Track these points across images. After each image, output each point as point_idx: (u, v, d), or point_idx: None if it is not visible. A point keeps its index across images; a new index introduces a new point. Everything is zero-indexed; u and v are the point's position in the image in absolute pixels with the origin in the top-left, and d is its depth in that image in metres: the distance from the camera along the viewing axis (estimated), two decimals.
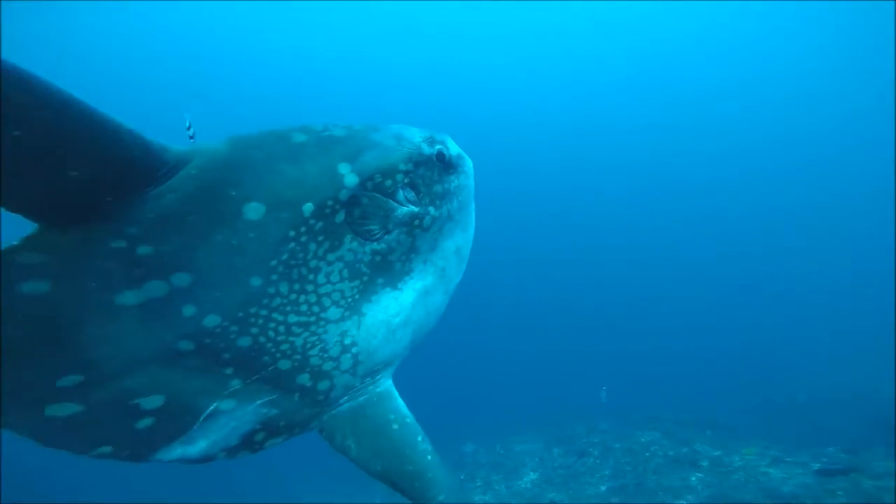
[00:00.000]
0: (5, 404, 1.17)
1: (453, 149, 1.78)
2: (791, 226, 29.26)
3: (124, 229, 1.20)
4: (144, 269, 1.23)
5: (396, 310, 1.57)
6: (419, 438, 1.55)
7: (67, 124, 1.01)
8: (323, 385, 1.46)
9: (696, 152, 32.60)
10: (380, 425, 1.54)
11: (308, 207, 1.39)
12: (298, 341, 1.41)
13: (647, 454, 8.02)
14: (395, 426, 1.55)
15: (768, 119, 32.10)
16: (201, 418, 1.35)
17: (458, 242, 1.77)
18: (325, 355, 1.45)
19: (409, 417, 1.59)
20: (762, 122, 32.16)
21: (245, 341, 1.35)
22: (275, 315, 1.37)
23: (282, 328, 1.39)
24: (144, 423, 1.29)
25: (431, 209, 1.64)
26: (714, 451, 7.70)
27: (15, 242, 1.14)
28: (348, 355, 1.48)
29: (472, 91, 32.75)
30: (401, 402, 1.61)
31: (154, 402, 1.29)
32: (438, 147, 1.69)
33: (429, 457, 1.53)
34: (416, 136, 1.65)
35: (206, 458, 1.38)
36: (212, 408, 1.35)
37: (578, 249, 26.73)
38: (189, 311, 1.29)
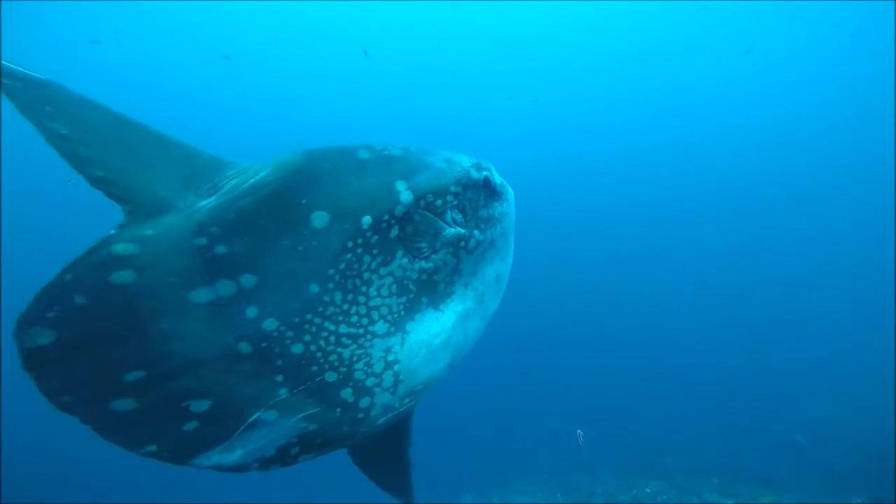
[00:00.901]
0: (78, 394, 1.22)
1: (497, 177, 1.86)
2: (787, 248, 29.40)
3: (207, 227, 1.30)
4: (219, 267, 1.31)
5: (438, 330, 1.61)
6: (410, 449, 1.82)
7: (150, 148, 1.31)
8: (364, 402, 1.48)
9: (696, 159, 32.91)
10: (397, 443, 1.73)
11: (367, 220, 1.46)
12: (346, 353, 1.44)
13: None
14: (406, 440, 1.77)
15: (769, 123, 32.29)
16: (243, 427, 1.37)
17: (498, 270, 1.82)
18: (370, 370, 1.48)
19: (412, 428, 1.77)
20: (763, 127, 32.36)
21: (298, 348, 1.39)
22: (327, 324, 1.42)
23: (332, 338, 1.43)
24: (191, 425, 1.32)
25: (477, 232, 1.71)
26: (725, 500, 7.37)
27: (112, 231, 1.25)
28: (390, 372, 1.51)
29: (475, 96, 32.67)
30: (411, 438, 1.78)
31: (203, 405, 1.32)
32: (485, 173, 1.78)
33: (408, 464, 1.85)
34: (465, 161, 1.75)
35: (239, 468, 1.40)
36: (255, 417, 1.38)
37: (564, 281, 26.38)
38: (252, 312, 1.34)
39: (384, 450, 1.79)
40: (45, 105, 1.20)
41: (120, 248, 1.22)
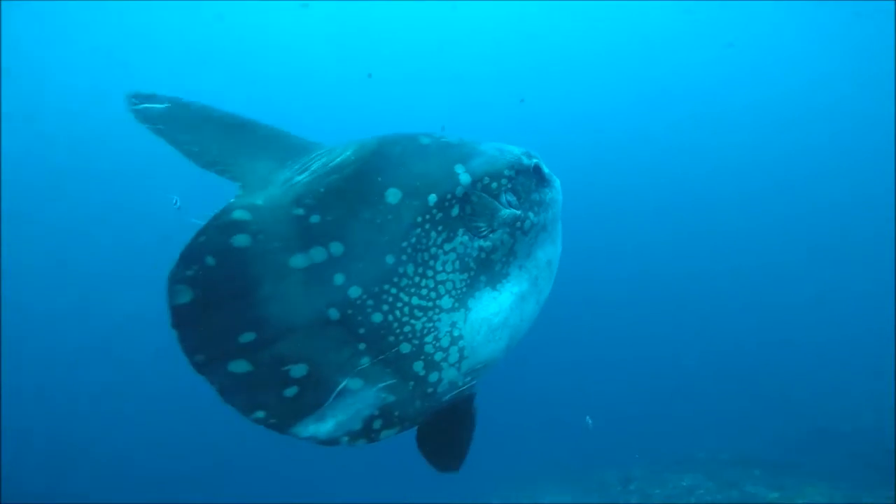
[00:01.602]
0: (207, 352, 1.36)
1: (545, 167, 2.00)
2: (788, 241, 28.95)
3: (303, 199, 1.49)
4: (312, 235, 1.47)
5: (496, 309, 1.71)
6: (472, 432, 1.88)
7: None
8: (433, 377, 1.58)
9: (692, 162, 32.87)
10: (459, 423, 1.80)
11: (432, 198, 1.61)
12: (418, 325, 1.56)
13: (693, 500, 7.21)
14: (469, 423, 1.82)
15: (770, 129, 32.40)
16: (333, 394, 1.47)
17: (549, 255, 1.93)
18: (438, 344, 1.58)
19: (477, 412, 1.85)
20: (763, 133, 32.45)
21: (377, 317, 1.51)
22: (402, 295, 1.54)
23: (406, 308, 1.55)
24: (291, 391, 1.43)
25: (531, 214, 1.84)
26: (770, 492, 7.00)
27: (232, 200, 1.46)
28: (456, 348, 1.61)
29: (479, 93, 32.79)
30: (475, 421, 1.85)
31: (300, 370, 1.44)
32: (535, 161, 1.92)
33: (466, 445, 1.90)
34: (515, 150, 1.90)
35: (331, 441, 1.48)
36: (343, 384, 1.48)
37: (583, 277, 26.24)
38: (339, 279, 1.48)
39: (446, 432, 1.84)
40: (168, 121, 1.52)
41: (237, 214, 1.41)
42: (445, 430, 1.81)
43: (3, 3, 18.87)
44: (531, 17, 28.53)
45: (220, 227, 1.39)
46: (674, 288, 24.96)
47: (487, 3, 27.18)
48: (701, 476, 8.08)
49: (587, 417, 8.78)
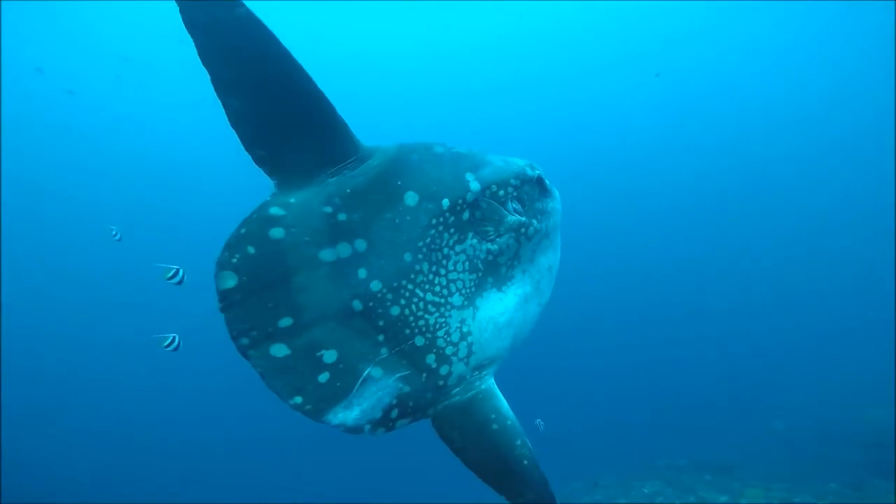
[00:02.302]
0: (250, 335, 1.50)
1: (547, 179, 2.12)
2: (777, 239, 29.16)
3: (332, 198, 1.61)
4: (339, 232, 1.60)
5: (502, 309, 1.82)
6: (518, 442, 1.70)
7: (310, 106, 1.59)
8: (444, 370, 1.69)
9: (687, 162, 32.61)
10: (481, 423, 1.71)
11: (445, 202, 1.73)
12: (431, 319, 1.67)
13: None
14: (495, 426, 1.71)
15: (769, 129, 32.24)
16: (359, 382, 1.57)
17: (550, 261, 2.04)
18: (448, 339, 1.69)
19: (511, 420, 1.74)
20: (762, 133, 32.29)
21: (395, 310, 1.63)
22: (417, 290, 1.66)
23: (421, 304, 1.66)
24: (324, 376, 1.55)
25: (534, 221, 1.95)
26: (720, 496, 7.67)
27: (267, 198, 1.60)
28: (465, 343, 1.72)
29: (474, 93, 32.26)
30: (503, 403, 1.77)
31: (331, 356, 1.56)
32: (538, 172, 2.03)
33: (525, 461, 1.68)
34: (520, 161, 2.02)
35: (357, 428, 1.57)
36: (366, 373, 1.59)
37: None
38: (363, 273, 1.61)
39: (476, 441, 1.73)
40: (225, 63, 1.48)
41: (273, 210, 1.56)
42: (480, 446, 1.70)
43: (2, 3, 18.26)
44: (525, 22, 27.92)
45: (258, 220, 1.54)
46: (638, 300, 25.24)
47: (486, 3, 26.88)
48: (660, 483, 8.75)
49: (538, 420, 9.17)
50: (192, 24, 1.42)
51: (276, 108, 1.55)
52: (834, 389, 12.57)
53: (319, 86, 1.56)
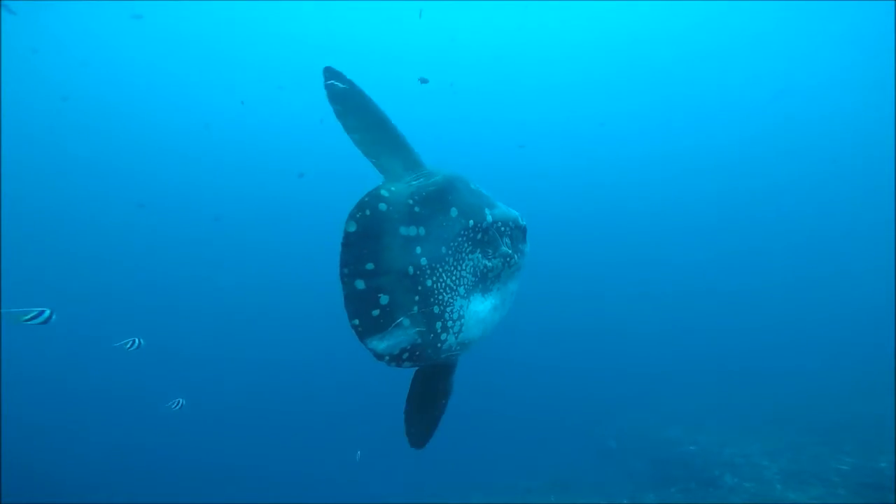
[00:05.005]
0: (349, 268, 2.05)
1: (528, 231, 2.87)
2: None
3: (414, 195, 2.22)
4: (413, 218, 2.19)
5: (482, 309, 2.43)
6: (445, 400, 2.54)
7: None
8: (444, 336, 2.24)
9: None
10: (441, 380, 2.50)
11: (471, 222, 2.38)
12: (446, 297, 2.24)
13: None
14: (445, 387, 2.52)
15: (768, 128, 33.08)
16: (393, 324, 2.10)
17: (515, 288, 2.69)
18: (451, 315, 2.26)
19: (453, 384, 2.55)
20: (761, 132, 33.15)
21: (429, 282, 2.19)
22: (444, 274, 2.24)
23: (443, 284, 2.23)
24: (376, 312, 2.09)
25: (516, 256, 2.61)
26: None
27: (378, 184, 2.19)
28: (459, 323, 2.30)
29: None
30: (454, 376, 2.54)
31: (385, 299, 2.09)
32: (525, 223, 2.77)
33: (438, 412, 2.53)
34: (515, 212, 2.74)
35: (381, 356, 2.12)
36: (399, 320, 2.12)
37: None
38: (418, 250, 2.18)
39: (429, 396, 2.50)
40: (345, 102, 2.22)
41: (382, 192, 2.15)
42: (429, 394, 2.47)
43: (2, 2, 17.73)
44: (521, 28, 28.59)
45: (374, 195, 2.11)
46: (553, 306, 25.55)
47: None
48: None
49: (357, 452, 10.20)
50: (331, 95, 2.22)
51: (373, 137, 2.27)
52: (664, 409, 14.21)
53: (396, 121, 2.34)
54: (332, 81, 2.22)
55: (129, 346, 4.45)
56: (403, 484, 12.28)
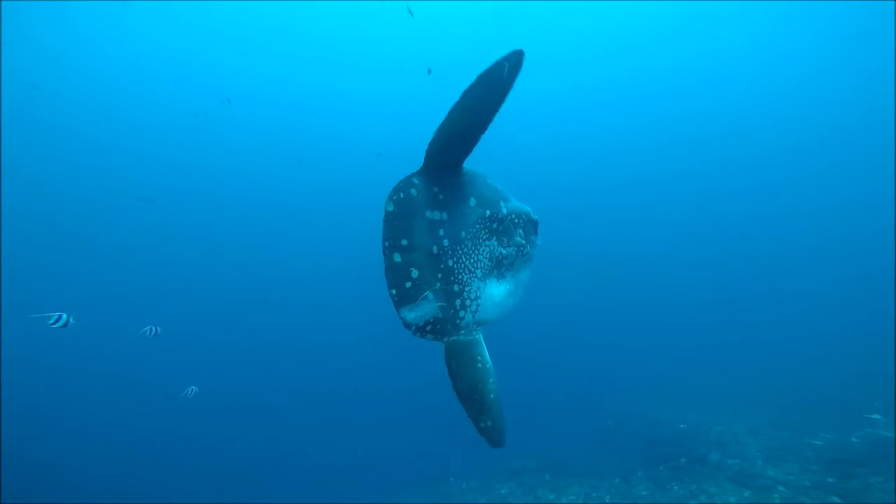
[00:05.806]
0: (388, 242, 2.30)
1: (539, 225, 3.05)
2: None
3: (438, 184, 2.43)
4: (437, 204, 2.41)
5: (497, 293, 2.60)
6: (490, 380, 2.35)
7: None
8: (461, 314, 2.44)
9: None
10: (471, 359, 2.41)
11: (487, 212, 2.58)
12: (465, 277, 2.46)
13: None
14: (479, 365, 2.40)
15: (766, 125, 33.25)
16: (421, 297, 2.33)
17: (528, 276, 2.87)
18: (469, 295, 2.47)
19: (490, 364, 2.42)
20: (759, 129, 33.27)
21: (450, 262, 2.42)
22: (463, 257, 2.46)
23: (462, 265, 2.45)
24: (408, 284, 2.33)
25: (529, 246, 2.80)
26: (550, 494, 9.38)
27: (413, 171, 2.39)
28: (476, 303, 2.50)
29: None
30: (486, 352, 2.46)
31: (416, 273, 2.34)
32: (537, 217, 2.96)
33: (492, 395, 2.31)
34: (528, 207, 2.92)
35: (408, 325, 2.35)
36: (426, 294, 2.34)
37: None
38: (441, 232, 2.41)
39: (467, 370, 2.39)
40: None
41: (415, 179, 2.37)
42: (466, 376, 2.35)
43: (2, 2, 17.76)
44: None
45: (407, 181, 2.34)
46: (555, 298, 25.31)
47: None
48: (513, 484, 10.47)
49: (360, 448, 10.42)
50: (488, 75, 2.02)
51: (470, 134, 2.25)
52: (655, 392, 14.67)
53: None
54: (506, 65, 2.01)
55: (149, 333, 4.64)
56: (403, 473, 12.59)
